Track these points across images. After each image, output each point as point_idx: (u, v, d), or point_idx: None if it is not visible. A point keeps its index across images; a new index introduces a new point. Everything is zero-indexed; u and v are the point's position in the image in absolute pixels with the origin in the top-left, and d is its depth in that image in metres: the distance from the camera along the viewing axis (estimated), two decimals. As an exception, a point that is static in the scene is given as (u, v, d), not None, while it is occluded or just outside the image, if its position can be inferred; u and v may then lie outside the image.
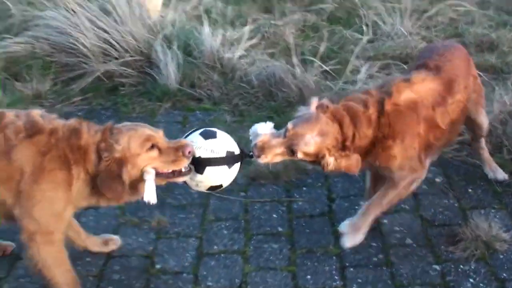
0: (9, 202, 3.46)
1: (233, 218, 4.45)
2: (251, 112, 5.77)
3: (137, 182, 3.43)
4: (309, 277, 3.89)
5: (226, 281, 3.87)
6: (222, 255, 4.09)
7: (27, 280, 3.88)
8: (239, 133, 4.76)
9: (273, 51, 6.77)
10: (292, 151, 3.62)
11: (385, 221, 4.29)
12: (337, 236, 4.11)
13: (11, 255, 4.09)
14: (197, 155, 3.47)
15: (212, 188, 3.63)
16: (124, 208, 4.49)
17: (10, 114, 3.53)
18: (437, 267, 3.94)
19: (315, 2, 7.97)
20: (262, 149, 3.61)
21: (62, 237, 3.59)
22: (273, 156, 3.64)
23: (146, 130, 3.46)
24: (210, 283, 3.86)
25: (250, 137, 3.73)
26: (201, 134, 3.57)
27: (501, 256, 4.00)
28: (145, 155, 3.39)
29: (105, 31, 6.37)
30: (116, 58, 6.28)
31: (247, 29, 6.83)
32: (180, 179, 3.54)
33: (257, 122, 3.77)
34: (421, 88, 3.90)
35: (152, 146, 3.40)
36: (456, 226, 4.21)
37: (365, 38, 6.57)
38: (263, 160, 3.64)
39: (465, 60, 4.28)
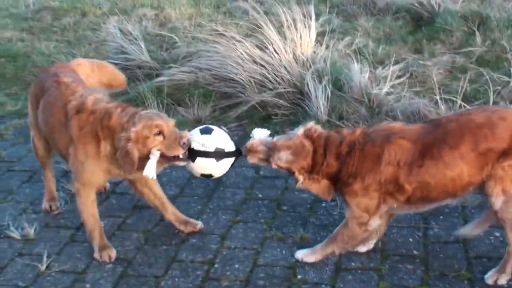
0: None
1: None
2: (395, 145, 6.02)
3: (144, 160, 4.20)
4: (440, 297, 4.11)
5: (361, 295, 4.17)
6: (359, 271, 4.35)
7: (181, 279, 4.35)
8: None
9: (419, 89, 7.01)
10: (268, 161, 4.21)
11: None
12: (470, 262, 4.31)
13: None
14: (192, 146, 4.23)
15: (204, 176, 4.42)
16: (271, 224, 4.92)
17: (77, 95, 4.58)
18: None
19: (465, 45, 8.15)
20: (249, 151, 4.26)
21: (93, 191, 4.61)
22: (257, 160, 4.28)
23: (159, 119, 4.23)
24: (347, 295, 4.17)
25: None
26: (200, 129, 4.35)
27: None
28: (152, 138, 4.17)
29: (261, 65, 6.88)
30: (271, 89, 6.77)
31: (395, 67, 7.13)
32: (177, 163, 4.32)
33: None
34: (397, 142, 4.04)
35: (159, 132, 4.18)
36: None
37: (513, 81, 6.68)
38: (249, 160, 4.30)
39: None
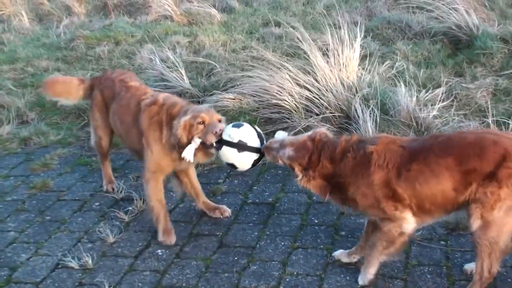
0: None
1: (435, 264, 4.65)
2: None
3: (187, 144, 4.77)
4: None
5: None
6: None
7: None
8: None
9: (465, 112, 6.94)
10: (276, 157, 4.48)
11: None
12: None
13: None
14: (222, 137, 4.67)
15: (229, 165, 4.79)
16: (331, 250, 4.87)
17: (148, 95, 5.30)
18: None
19: (506, 67, 8.08)
20: (266, 148, 4.58)
21: (161, 178, 5.16)
22: (272, 157, 4.55)
23: (205, 111, 4.81)
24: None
25: None
26: (233, 124, 4.76)
27: None
28: (195, 126, 4.74)
29: (307, 89, 6.84)
30: (317, 114, 6.72)
31: (439, 90, 7.08)
32: (211, 150, 4.78)
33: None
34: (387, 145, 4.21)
35: (202, 122, 4.73)
36: None
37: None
38: (266, 157, 4.62)
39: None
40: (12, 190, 6.21)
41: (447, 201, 4.04)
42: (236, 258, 4.85)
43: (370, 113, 6.41)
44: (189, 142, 4.77)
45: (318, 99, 6.78)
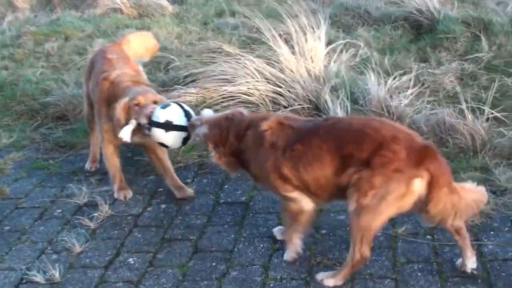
0: None
1: (424, 260, 4.44)
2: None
3: (126, 125, 5.02)
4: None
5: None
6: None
7: None
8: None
9: (434, 99, 6.77)
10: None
11: None
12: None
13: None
14: (152, 118, 4.83)
15: (160, 145, 5.00)
16: (314, 250, 4.62)
17: (111, 68, 5.49)
18: None
19: (470, 51, 7.96)
20: (190, 126, 4.69)
21: (112, 146, 5.47)
22: (194, 136, 4.63)
23: (141, 94, 5.01)
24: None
25: None
26: (161, 106, 4.88)
27: None
28: (132, 108, 4.97)
29: (273, 82, 6.58)
30: (285, 107, 6.46)
31: (406, 78, 6.90)
32: (145, 131, 4.95)
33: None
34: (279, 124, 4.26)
35: (137, 104, 4.94)
36: None
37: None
38: (191, 135, 4.71)
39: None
40: (-37, 199, 5.80)
41: (330, 184, 4.06)
42: (214, 264, 4.56)
43: (340, 103, 6.19)
44: (127, 123, 4.99)
45: (285, 91, 6.51)
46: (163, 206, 5.34)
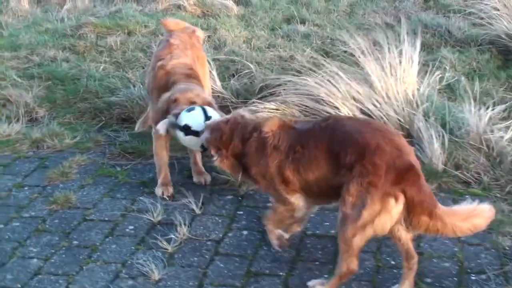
0: None
1: None
2: (529, 202, 5.24)
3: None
4: None
5: None
6: None
7: None
8: None
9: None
10: None
11: None
12: None
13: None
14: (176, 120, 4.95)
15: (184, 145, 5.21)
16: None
17: (168, 56, 5.71)
18: None
19: None
20: (201, 132, 4.69)
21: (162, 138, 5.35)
22: (203, 142, 4.65)
23: (181, 91, 5.16)
24: None
25: None
26: (187, 108, 4.94)
27: None
28: (170, 103, 5.15)
29: (361, 102, 6.11)
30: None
31: (499, 108, 6.40)
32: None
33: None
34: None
35: (174, 101, 5.10)
36: None
37: None
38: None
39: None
40: (28, 204, 5.40)
41: (329, 186, 4.02)
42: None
43: (437, 134, 5.68)
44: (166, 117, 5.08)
45: (375, 113, 6.02)
46: (245, 232, 4.91)
